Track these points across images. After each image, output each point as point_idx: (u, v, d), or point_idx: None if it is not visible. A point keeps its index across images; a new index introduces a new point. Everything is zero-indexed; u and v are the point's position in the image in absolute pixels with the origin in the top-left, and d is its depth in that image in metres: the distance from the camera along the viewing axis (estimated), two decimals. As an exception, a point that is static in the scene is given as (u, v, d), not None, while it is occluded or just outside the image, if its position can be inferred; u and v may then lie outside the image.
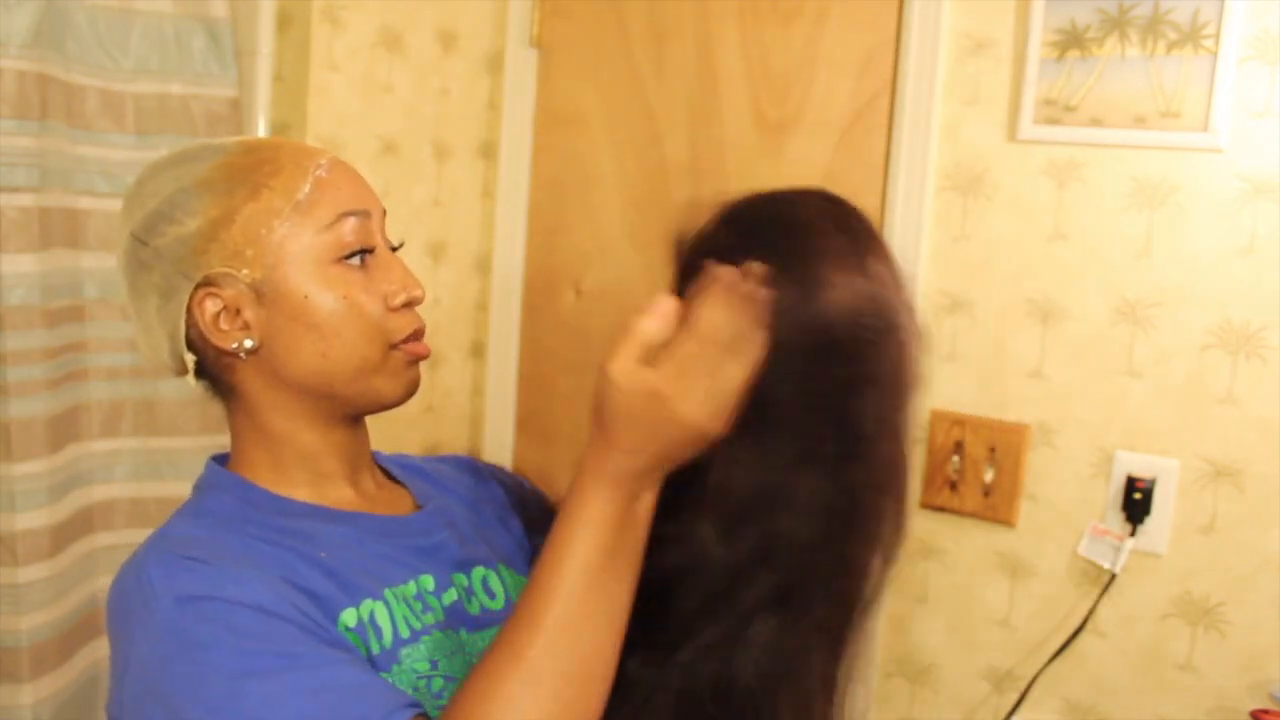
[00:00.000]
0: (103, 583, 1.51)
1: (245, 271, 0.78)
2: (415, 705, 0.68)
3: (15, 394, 1.35)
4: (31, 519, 1.37)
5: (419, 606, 0.82)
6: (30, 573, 1.37)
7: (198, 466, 1.59)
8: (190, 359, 0.82)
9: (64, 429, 1.43)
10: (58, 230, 1.41)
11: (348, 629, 0.76)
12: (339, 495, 0.86)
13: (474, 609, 0.87)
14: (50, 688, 1.41)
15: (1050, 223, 1.51)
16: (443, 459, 1.05)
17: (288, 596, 0.73)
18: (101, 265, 1.48)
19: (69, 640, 1.44)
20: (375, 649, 0.77)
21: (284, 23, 1.63)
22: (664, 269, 0.90)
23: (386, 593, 0.80)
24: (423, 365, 0.86)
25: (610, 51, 1.85)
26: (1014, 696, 1.55)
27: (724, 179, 1.76)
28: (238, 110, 1.58)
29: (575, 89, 1.89)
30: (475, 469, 1.04)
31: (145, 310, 0.82)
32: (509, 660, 0.68)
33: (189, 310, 0.80)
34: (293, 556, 0.77)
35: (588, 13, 1.86)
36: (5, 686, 1.37)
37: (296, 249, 0.78)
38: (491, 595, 0.89)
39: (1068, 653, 1.51)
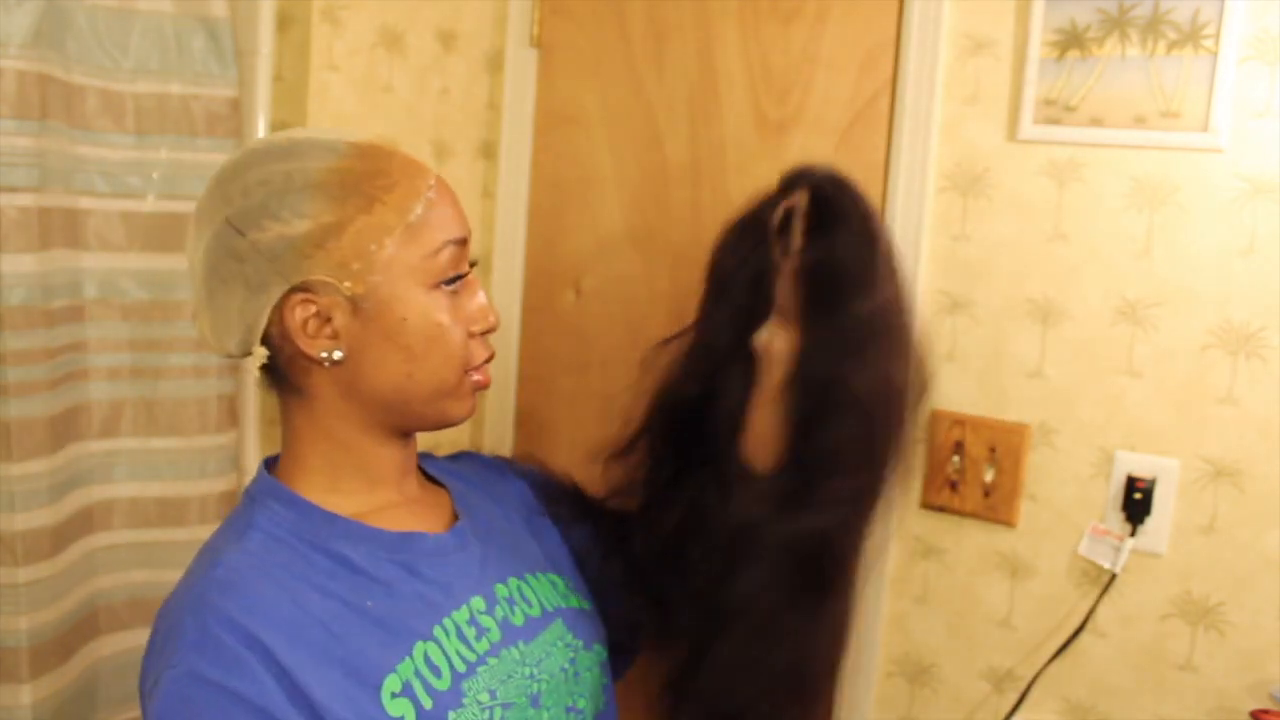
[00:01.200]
0: (103, 583, 1.51)
1: (347, 284, 0.77)
2: None
3: (15, 394, 1.35)
4: (31, 519, 1.37)
5: (472, 633, 0.83)
6: (30, 573, 1.38)
7: (198, 466, 1.59)
8: (262, 353, 0.81)
9: (64, 429, 1.43)
10: (58, 230, 1.41)
11: (393, 695, 0.75)
12: (386, 498, 0.87)
13: (518, 619, 0.88)
14: (50, 688, 1.41)
15: (1050, 223, 1.51)
16: (468, 457, 1.06)
17: (305, 701, 0.72)
18: (101, 265, 1.49)
19: (69, 640, 1.44)
20: (427, 703, 0.76)
21: (284, 23, 1.63)
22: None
23: (436, 630, 0.80)
24: None
25: (610, 51, 1.85)
26: (1014, 696, 1.55)
27: (724, 179, 1.76)
28: (238, 110, 1.58)
29: (575, 89, 1.89)
30: (500, 468, 1.05)
31: (225, 297, 0.79)
32: None
33: (278, 310, 0.79)
34: (339, 607, 0.77)
35: (588, 13, 1.86)
36: (5, 686, 1.37)
37: (402, 270, 0.79)
38: (529, 603, 0.90)
39: (1068, 653, 1.51)
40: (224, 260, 0.79)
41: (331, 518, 0.82)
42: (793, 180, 1.00)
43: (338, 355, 0.79)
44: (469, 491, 0.96)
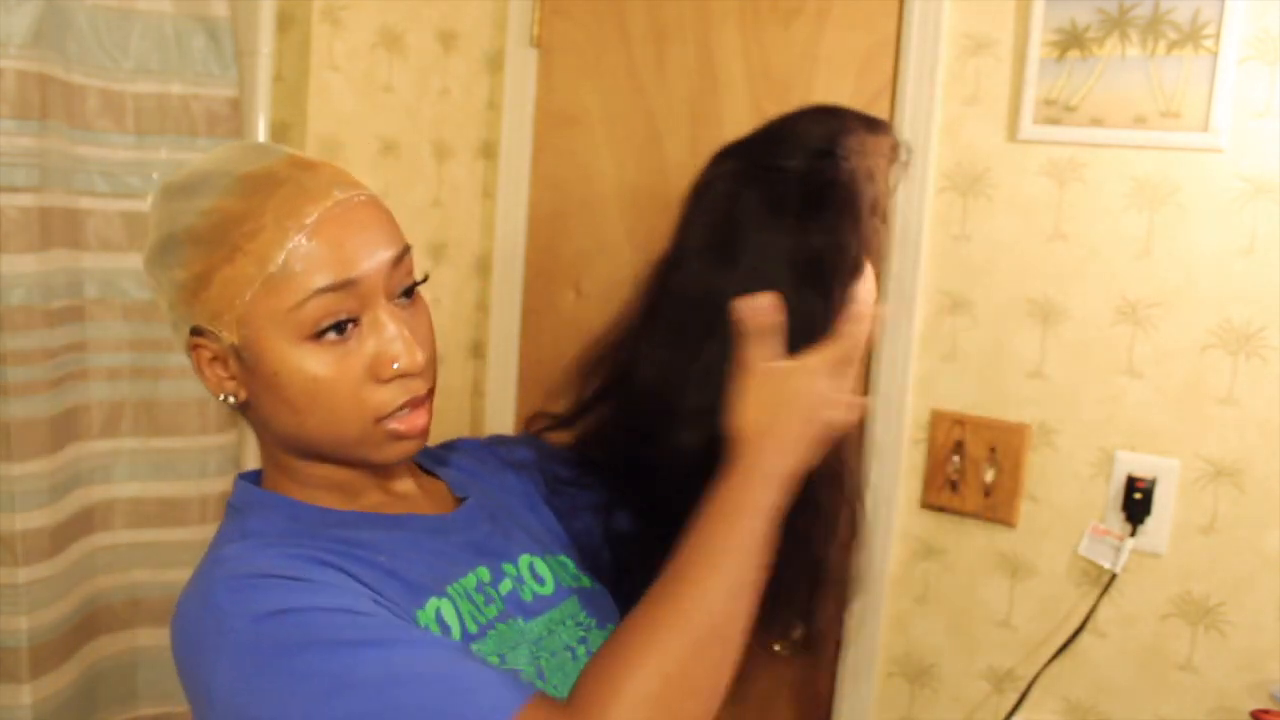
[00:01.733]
0: (103, 583, 1.51)
1: (224, 334, 0.75)
2: (529, 691, 0.68)
3: (15, 394, 1.35)
4: (31, 519, 1.37)
5: (481, 600, 0.82)
6: (30, 573, 1.37)
7: (198, 466, 1.59)
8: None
9: (64, 429, 1.43)
10: (58, 230, 1.41)
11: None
12: (374, 501, 0.85)
13: (527, 596, 0.87)
14: (50, 688, 1.41)
15: (1050, 223, 1.51)
16: (463, 444, 1.04)
17: (366, 594, 0.72)
18: (101, 265, 1.49)
19: (69, 640, 1.44)
20: None
21: (284, 23, 1.63)
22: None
23: (450, 589, 0.80)
24: None
25: (610, 51, 1.85)
26: (1014, 696, 1.55)
27: (724, 179, 1.76)
28: (238, 110, 1.58)
29: (575, 89, 1.89)
30: (496, 451, 1.04)
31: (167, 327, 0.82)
32: (672, 615, 0.70)
33: (188, 349, 0.79)
34: (357, 566, 0.75)
35: (588, 13, 1.86)
36: (5, 686, 1.37)
37: (265, 323, 0.74)
38: (540, 581, 0.89)
39: (1068, 653, 1.51)
40: (154, 290, 0.81)
41: (324, 511, 0.82)
42: (873, 124, 0.92)
43: (232, 400, 0.78)
44: (468, 480, 0.95)
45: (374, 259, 0.75)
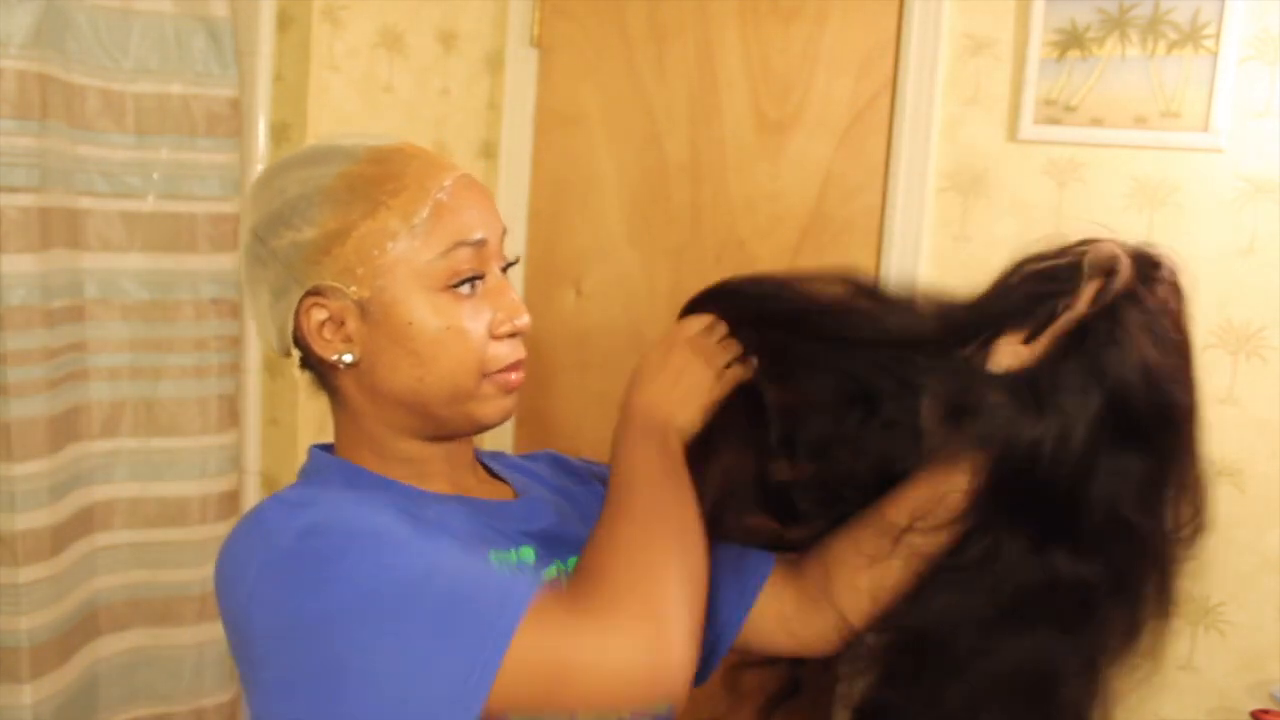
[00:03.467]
0: (103, 583, 1.51)
1: (354, 289, 0.79)
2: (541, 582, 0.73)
3: (15, 394, 1.35)
4: (31, 519, 1.37)
5: (531, 568, 0.84)
6: (30, 573, 1.37)
7: (198, 466, 1.58)
8: (297, 354, 0.84)
9: (64, 429, 1.43)
10: (58, 230, 1.41)
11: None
12: (440, 487, 0.87)
13: None
14: (50, 688, 1.41)
15: (1050, 223, 1.51)
16: (535, 456, 1.06)
17: (408, 523, 0.74)
18: (101, 265, 1.49)
19: (69, 640, 1.44)
20: None
21: (284, 23, 1.63)
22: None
23: (492, 554, 0.81)
24: None
25: (610, 51, 1.85)
26: (1014, 696, 1.54)
27: (724, 179, 1.76)
28: (238, 110, 1.58)
29: (575, 89, 1.89)
30: (569, 466, 1.05)
31: (257, 300, 0.84)
32: (623, 520, 0.78)
33: (297, 313, 0.81)
34: (405, 516, 0.78)
35: (588, 13, 1.86)
36: (5, 686, 1.37)
37: (406, 274, 0.79)
38: None
39: (1068, 653, 1.51)
40: (253, 266, 0.83)
41: (388, 482, 0.84)
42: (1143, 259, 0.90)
43: (348, 358, 0.81)
44: (529, 481, 0.96)
45: (494, 227, 0.83)
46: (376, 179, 0.80)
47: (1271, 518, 1.39)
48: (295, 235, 0.79)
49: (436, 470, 0.87)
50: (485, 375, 0.81)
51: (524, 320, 0.82)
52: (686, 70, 1.78)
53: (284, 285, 0.81)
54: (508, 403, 0.84)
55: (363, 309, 0.79)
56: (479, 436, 0.92)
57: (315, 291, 0.80)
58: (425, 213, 0.79)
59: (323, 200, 0.79)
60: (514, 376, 0.83)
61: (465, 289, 0.80)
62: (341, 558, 0.69)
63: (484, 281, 0.81)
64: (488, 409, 0.83)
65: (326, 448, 0.89)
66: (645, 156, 1.83)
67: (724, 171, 1.76)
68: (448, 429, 0.85)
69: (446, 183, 0.80)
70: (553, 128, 1.91)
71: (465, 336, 0.79)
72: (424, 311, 0.79)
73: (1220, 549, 1.42)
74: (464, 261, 0.79)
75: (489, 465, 0.96)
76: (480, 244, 0.80)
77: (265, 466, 1.69)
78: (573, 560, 0.89)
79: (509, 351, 0.82)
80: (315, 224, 0.79)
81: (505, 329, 0.81)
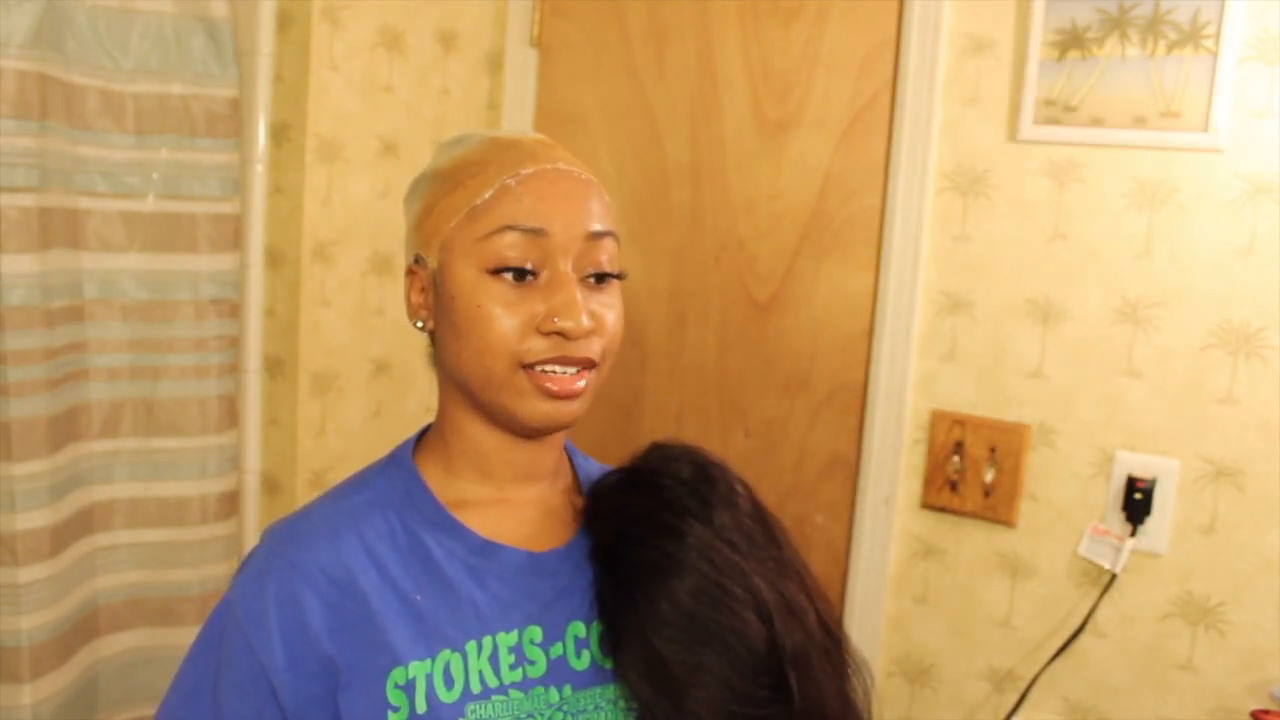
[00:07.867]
0: (103, 583, 1.51)
1: (431, 260, 0.84)
2: None
3: (15, 394, 1.35)
4: (31, 519, 1.37)
5: (509, 660, 0.81)
6: (30, 573, 1.38)
7: (198, 466, 1.59)
8: (417, 322, 0.88)
9: (64, 429, 1.43)
10: (58, 230, 1.41)
11: (396, 686, 0.77)
12: (497, 495, 0.86)
13: (582, 664, 0.83)
14: (50, 688, 1.41)
15: (1050, 223, 1.51)
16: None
17: (321, 662, 0.79)
18: (101, 265, 1.49)
19: (69, 640, 1.44)
20: (422, 707, 0.77)
21: (284, 23, 1.63)
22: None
23: (469, 645, 0.80)
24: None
25: (610, 51, 1.85)
26: (1014, 696, 1.55)
27: (724, 179, 1.76)
28: (238, 110, 1.58)
29: (575, 89, 1.89)
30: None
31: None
32: None
33: (406, 279, 0.87)
34: (389, 592, 0.80)
35: (588, 13, 1.86)
36: (5, 686, 1.38)
37: (460, 249, 0.81)
38: (606, 653, 0.84)
39: (1068, 653, 1.51)
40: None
41: (435, 505, 0.85)
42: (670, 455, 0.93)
43: (419, 324, 0.86)
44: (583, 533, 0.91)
45: (569, 224, 0.81)
46: (469, 162, 0.84)
47: (1271, 518, 1.39)
48: (412, 207, 0.87)
49: (497, 473, 0.86)
50: (522, 367, 0.79)
51: (568, 322, 0.78)
52: (686, 70, 1.78)
53: (407, 253, 0.87)
54: (547, 407, 0.80)
55: (434, 280, 0.83)
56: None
57: (416, 260, 0.85)
58: (489, 194, 0.81)
59: (431, 179, 0.85)
60: (554, 382, 0.79)
61: (508, 277, 0.79)
62: (192, 657, 0.86)
63: (541, 278, 0.80)
64: (523, 407, 0.80)
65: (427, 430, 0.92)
66: (645, 156, 1.83)
67: (724, 172, 1.76)
68: (494, 418, 0.84)
69: (524, 172, 0.81)
70: (552, 128, 1.91)
71: (492, 320, 0.79)
72: (465, 289, 0.81)
73: (1220, 549, 1.42)
74: (511, 247, 0.79)
75: (584, 483, 0.93)
76: (536, 233, 0.79)
77: (265, 466, 1.69)
78: (597, 625, 0.85)
79: (545, 347, 0.79)
80: (422, 199, 0.86)
81: (546, 325, 0.79)
